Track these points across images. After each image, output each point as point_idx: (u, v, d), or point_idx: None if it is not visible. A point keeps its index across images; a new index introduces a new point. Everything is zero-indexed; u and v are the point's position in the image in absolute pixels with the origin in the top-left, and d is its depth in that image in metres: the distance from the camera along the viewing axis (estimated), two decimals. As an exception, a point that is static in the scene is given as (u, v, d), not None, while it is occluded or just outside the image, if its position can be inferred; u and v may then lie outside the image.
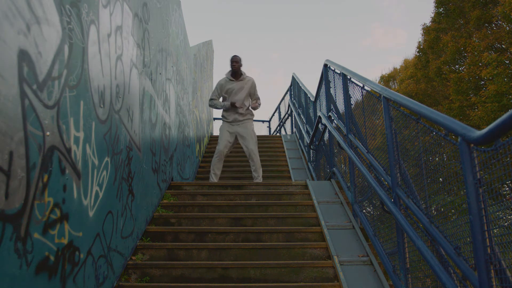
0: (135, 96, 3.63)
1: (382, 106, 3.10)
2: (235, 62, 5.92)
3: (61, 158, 2.20)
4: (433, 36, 13.14)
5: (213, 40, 11.36)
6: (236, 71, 5.93)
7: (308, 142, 7.28)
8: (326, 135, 5.79)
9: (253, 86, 6.00)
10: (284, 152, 8.54)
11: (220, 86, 5.99)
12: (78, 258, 2.42)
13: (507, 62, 10.72)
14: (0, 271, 1.66)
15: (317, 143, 6.52)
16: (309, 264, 3.42)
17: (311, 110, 7.51)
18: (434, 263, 2.27)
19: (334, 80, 5.07)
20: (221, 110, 6.04)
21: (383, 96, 3.06)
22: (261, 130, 15.06)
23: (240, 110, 5.88)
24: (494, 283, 1.77)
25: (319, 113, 5.98)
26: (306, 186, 5.17)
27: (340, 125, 4.70)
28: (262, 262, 3.47)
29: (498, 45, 11.40)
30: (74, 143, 2.37)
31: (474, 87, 11.34)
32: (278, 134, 13.14)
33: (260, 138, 9.89)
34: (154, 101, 4.32)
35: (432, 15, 13.64)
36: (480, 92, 10.77)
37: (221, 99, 6.12)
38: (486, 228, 1.80)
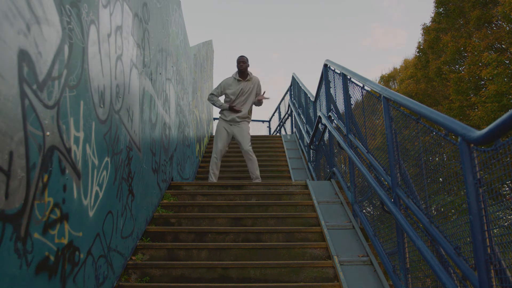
0: (135, 96, 3.63)
1: (382, 106, 3.10)
2: (242, 63, 5.93)
3: (61, 158, 2.20)
4: (433, 36, 13.14)
5: (213, 40, 11.37)
6: (243, 71, 5.94)
7: (308, 142, 7.28)
8: (326, 135, 5.79)
9: (259, 86, 6.06)
10: (284, 152, 8.54)
11: (225, 84, 5.98)
12: (78, 258, 2.42)
13: (507, 62, 10.72)
14: (0, 271, 1.66)
15: (317, 143, 6.51)
16: (309, 264, 3.42)
17: (311, 110, 7.51)
18: (434, 263, 2.27)
19: (334, 80, 5.07)
20: (229, 109, 6.03)
21: (383, 96, 3.06)
22: (261, 130, 15.06)
23: (240, 114, 5.90)
24: (494, 283, 1.77)
25: (319, 113, 5.98)
26: (306, 186, 5.17)
27: (340, 125, 4.70)
28: (262, 262, 3.47)
29: (498, 45, 11.40)
30: (74, 143, 2.37)
31: (474, 87, 11.34)
32: (278, 134, 13.14)
33: (260, 138, 9.90)
34: (154, 101, 4.32)
35: (432, 15, 13.64)
36: (480, 92, 10.77)
37: (222, 98, 6.12)
38: (486, 228, 1.80)
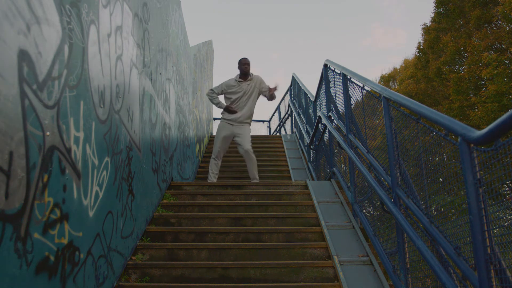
0: (135, 96, 3.63)
1: (382, 106, 3.10)
2: (247, 65, 6.00)
3: (61, 158, 2.20)
4: (433, 36, 13.14)
5: (213, 40, 11.37)
6: (247, 73, 5.99)
7: (308, 142, 7.28)
8: (326, 135, 5.79)
9: (261, 83, 6.08)
10: (284, 152, 8.54)
11: (227, 85, 5.99)
12: (78, 258, 2.42)
13: (507, 62, 10.72)
14: (0, 271, 1.66)
15: (317, 143, 6.52)
16: (309, 264, 3.42)
17: (311, 110, 7.51)
18: (434, 263, 2.27)
19: (334, 80, 5.07)
20: (225, 109, 6.03)
21: (383, 96, 3.06)
22: (261, 130, 15.06)
23: (243, 115, 5.92)
24: (494, 283, 1.77)
25: (319, 113, 5.98)
26: (306, 186, 5.17)
27: (340, 125, 4.70)
28: (262, 262, 3.47)
29: (498, 45, 11.40)
30: (74, 143, 2.37)
31: (474, 87, 11.34)
32: (278, 134, 13.14)
33: (260, 138, 9.90)
34: (154, 101, 4.32)
35: (432, 15, 13.64)
36: (480, 92, 10.77)
37: (222, 98, 6.13)
38: (486, 228, 1.80)
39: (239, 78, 6.00)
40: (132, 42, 3.56)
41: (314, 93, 7.12)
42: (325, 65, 5.65)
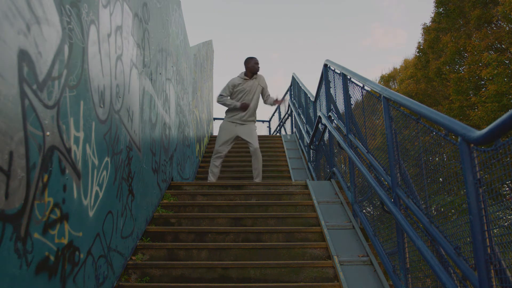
0: (135, 96, 3.63)
1: (382, 106, 3.10)
2: (258, 64, 6.04)
3: (61, 158, 2.20)
4: (433, 36, 13.14)
5: (213, 40, 11.37)
6: (256, 72, 6.04)
7: (308, 142, 7.28)
8: (326, 135, 5.79)
9: (264, 81, 6.13)
10: (284, 152, 8.54)
11: (233, 85, 6.00)
12: (78, 258, 2.42)
13: (507, 62, 10.72)
14: (0, 271, 1.66)
15: (317, 143, 6.51)
16: (309, 264, 3.42)
17: (311, 110, 7.51)
18: (434, 263, 2.27)
19: (334, 80, 5.07)
20: (227, 110, 6.03)
21: (383, 96, 3.06)
22: (261, 130, 15.05)
23: (247, 114, 5.94)
24: (494, 283, 1.77)
25: (319, 113, 5.98)
26: (306, 186, 5.17)
27: (340, 125, 4.70)
28: (262, 262, 3.47)
29: (498, 45, 11.40)
30: (74, 143, 2.37)
31: (474, 87, 11.34)
32: (278, 134, 13.14)
33: (260, 138, 9.88)
34: (154, 101, 4.32)
35: (432, 15, 13.64)
36: (480, 92, 10.77)
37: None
38: (486, 228, 1.80)
39: (245, 76, 6.02)
40: (132, 42, 3.56)
41: (314, 93, 7.12)
42: (325, 65, 5.65)
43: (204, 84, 8.84)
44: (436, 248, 2.35)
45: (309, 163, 7.40)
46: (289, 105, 11.51)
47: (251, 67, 6.01)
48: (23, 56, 1.86)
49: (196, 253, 3.64)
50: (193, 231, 3.94)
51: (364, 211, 3.96)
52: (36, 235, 1.95)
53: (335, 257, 3.43)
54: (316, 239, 3.92)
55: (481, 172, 1.85)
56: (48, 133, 2.06)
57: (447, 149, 2.17)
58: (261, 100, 6.22)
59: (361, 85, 3.76)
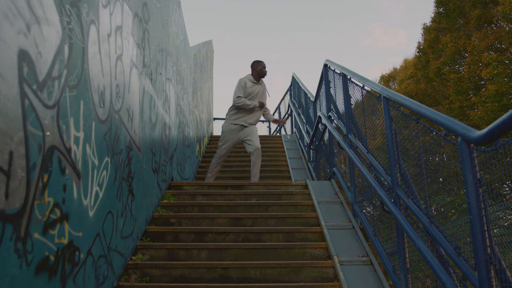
0: (135, 96, 3.63)
1: (382, 106, 3.10)
2: (265, 68, 6.05)
3: (61, 158, 2.20)
4: (433, 36, 13.15)
5: (213, 40, 11.37)
6: (263, 76, 6.05)
7: (308, 142, 7.28)
8: (326, 135, 5.79)
9: (265, 87, 6.20)
10: (284, 152, 8.54)
11: (245, 86, 5.97)
12: (78, 258, 2.42)
13: (507, 62, 10.72)
14: (0, 271, 1.66)
15: (317, 143, 6.52)
16: (309, 264, 3.43)
17: (311, 110, 7.51)
18: (434, 263, 2.27)
19: (334, 80, 5.07)
20: (231, 112, 6.01)
21: (383, 96, 3.06)
22: (261, 130, 15.03)
23: (254, 117, 5.99)
24: (494, 283, 1.77)
25: (319, 113, 5.98)
26: (306, 186, 5.17)
27: (340, 125, 4.70)
28: (262, 262, 3.47)
29: (498, 45, 11.40)
30: (74, 143, 2.37)
31: (474, 87, 11.34)
32: (278, 134, 13.13)
33: (260, 138, 9.85)
34: (154, 101, 4.32)
35: (432, 15, 13.64)
36: (480, 92, 10.77)
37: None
38: (486, 228, 1.80)
39: (254, 79, 6.02)
40: (132, 42, 3.56)
41: (314, 93, 7.12)
42: (325, 65, 5.65)
43: (204, 84, 8.84)
44: (436, 248, 2.35)
45: (309, 163, 7.40)
46: (289, 105, 11.51)
47: (259, 71, 6.00)
48: (23, 56, 1.86)
49: (196, 253, 3.64)
50: (193, 231, 3.94)
51: (364, 211, 3.96)
52: (36, 235, 1.95)
53: (335, 257, 3.43)
54: (316, 239, 3.92)
55: (481, 172, 1.85)
56: (48, 133, 2.06)
57: (447, 149, 2.17)
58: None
59: (361, 85, 3.76)
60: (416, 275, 2.70)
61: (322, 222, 4.03)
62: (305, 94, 8.24)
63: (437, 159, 2.50)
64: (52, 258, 2.09)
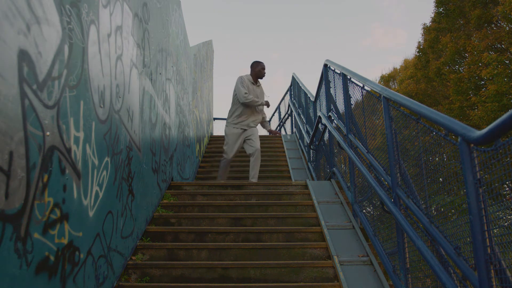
0: (135, 96, 3.63)
1: (382, 106, 3.10)
2: (264, 70, 6.02)
3: (61, 158, 2.20)
4: (433, 35, 13.15)
5: (213, 40, 11.37)
6: (262, 77, 6.04)
7: (308, 142, 7.28)
8: (326, 135, 5.79)
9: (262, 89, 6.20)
10: (284, 152, 8.54)
11: (248, 84, 5.94)
12: (78, 258, 2.42)
13: (507, 62, 10.72)
14: (0, 271, 1.66)
15: (317, 143, 6.51)
16: (309, 264, 3.42)
17: (311, 110, 7.51)
18: (434, 263, 2.27)
19: (334, 80, 5.07)
20: (234, 115, 6.00)
21: (383, 96, 3.06)
22: (261, 130, 15.01)
23: (255, 119, 6.01)
24: (494, 283, 1.77)
25: (319, 113, 5.98)
26: (306, 186, 5.17)
27: (340, 125, 4.70)
28: (262, 262, 3.47)
29: (498, 45, 11.40)
30: (74, 143, 2.37)
31: (474, 87, 11.34)
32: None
33: (260, 138, 9.84)
34: (154, 101, 4.32)
35: (432, 15, 13.65)
36: (480, 92, 10.77)
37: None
38: (486, 228, 1.80)
39: (253, 80, 6.00)
40: (132, 42, 3.56)
41: (314, 93, 7.12)
42: (325, 65, 5.65)
43: (204, 84, 8.84)
44: (436, 248, 2.35)
45: (309, 163, 7.40)
46: (289, 105, 11.51)
47: (258, 71, 5.97)
48: (23, 56, 1.86)
49: (196, 253, 3.64)
50: (193, 231, 3.94)
51: (364, 211, 3.96)
52: (36, 235, 1.95)
53: (335, 257, 3.43)
54: (316, 239, 3.92)
55: (481, 172, 1.85)
56: (48, 133, 2.06)
57: (447, 149, 2.17)
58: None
59: (361, 85, 3.76)
60: (416, 275, 2.70)
61: (322, 222, 4.03)
62: (305, 94, 8.24)
63: (437, 159, 2.50)
64: (52, 258, 2.09)
